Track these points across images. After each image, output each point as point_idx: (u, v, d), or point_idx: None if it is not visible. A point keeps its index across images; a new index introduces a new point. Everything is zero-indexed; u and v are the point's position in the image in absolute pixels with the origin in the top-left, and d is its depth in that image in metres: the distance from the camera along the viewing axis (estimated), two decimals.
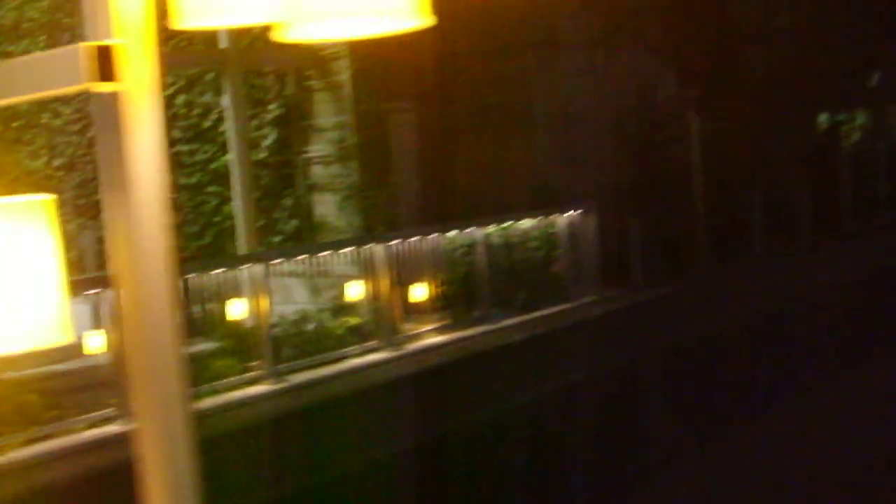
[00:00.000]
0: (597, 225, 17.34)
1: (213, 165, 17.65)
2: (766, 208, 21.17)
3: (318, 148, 16.82)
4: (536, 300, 16.31)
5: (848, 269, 22.02)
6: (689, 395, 16.79)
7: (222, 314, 12.95)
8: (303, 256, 14.09)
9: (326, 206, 16.91)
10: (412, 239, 14.56)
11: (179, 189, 17.83)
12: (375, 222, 16.01)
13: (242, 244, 15.68)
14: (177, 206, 17.74)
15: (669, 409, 16.25)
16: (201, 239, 17.85)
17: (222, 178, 17.66)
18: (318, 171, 16.93)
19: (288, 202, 17.11)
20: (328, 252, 13.97)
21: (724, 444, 16.63)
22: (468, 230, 15.40)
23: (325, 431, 12.02)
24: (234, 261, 13.72)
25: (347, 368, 13.27)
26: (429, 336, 14.65)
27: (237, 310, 12.61)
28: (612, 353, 15.98)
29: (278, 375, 12.55)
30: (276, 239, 16.85)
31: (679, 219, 19.72)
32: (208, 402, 11.57)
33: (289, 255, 13.75)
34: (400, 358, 13.80)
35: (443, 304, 15.02)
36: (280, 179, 17.03)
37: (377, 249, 13.94)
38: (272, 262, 12.82)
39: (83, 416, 10.81)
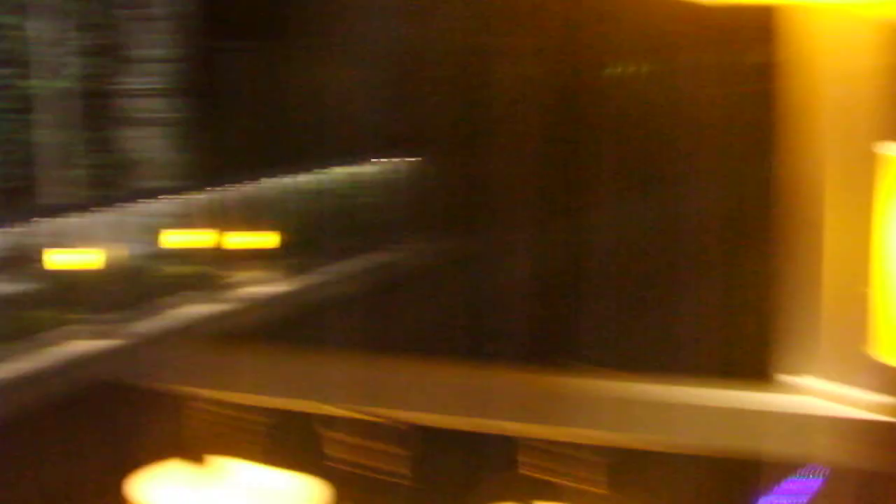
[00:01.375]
0: (415, 171, 17.10)
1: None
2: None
3: (139, 80, 15.99)
4: (358, 248, 16.01)
5: None
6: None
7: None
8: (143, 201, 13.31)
9: (144, 143, 16.13)
10: (252, 184, 14.04)
11: None
12: (200, 162, 15.36)
13: (51, 176, 14.77)
14: None
15: None
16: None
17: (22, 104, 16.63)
18: (137, 105, 16.11)
19: (101, 135, 16.24)
20: (165, 197, 13.25)
21: None
22: (303, 176, 14.97)
23: None
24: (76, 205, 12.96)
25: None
26: (259, 285, 14.20)
27: (63, 257, 11.87)
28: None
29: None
30: (80, 172, 15.98)
31: (483, 169, 19.48)
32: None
33: (132, 198, 13.02)
34: (232, 312, 13.35)
35: (277, 253, 14.55)
36: (93, 111, 16.13)
37: (217, 195, 13.41)
38: (120, 206, 12.10)
39: None
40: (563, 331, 18.47)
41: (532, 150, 20.09)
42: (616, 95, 23.82)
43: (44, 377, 10.82)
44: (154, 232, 13.68)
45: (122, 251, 13.15)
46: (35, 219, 12.62)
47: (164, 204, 13.39)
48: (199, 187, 13.74)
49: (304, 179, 15.09)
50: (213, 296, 13.41)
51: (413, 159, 17.08)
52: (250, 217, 14.10)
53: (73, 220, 12.19)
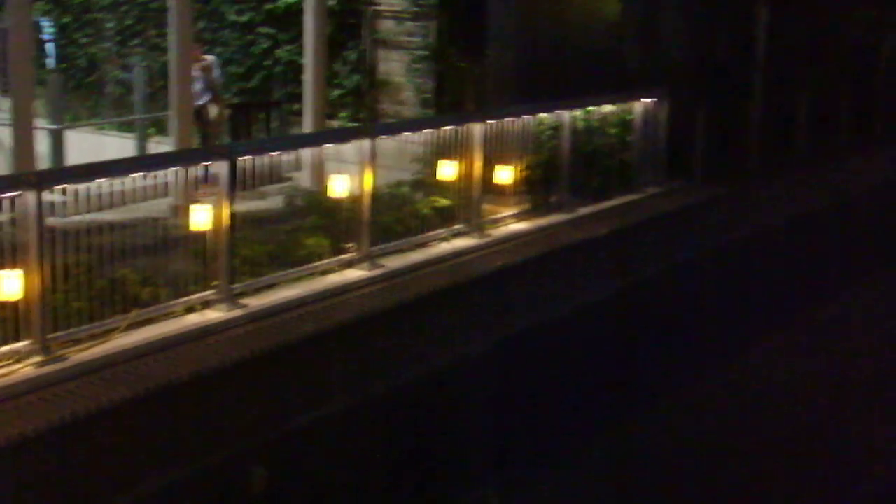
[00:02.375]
0: (668, 113, 16.52)
1: (269, 6, 16.37)
2: (811, 109, 20.63)
3: (390, 0, 15.61)
4: (608, 188, 15.49)
5: (884, 169, 21.80)
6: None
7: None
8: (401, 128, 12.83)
9: (393, 66, 15.79)
10: (506, 118, 13.52)
11: (227, 25, 16.59)
12: (450, 91, 14.94)
13: (308, 95, 14.50)
14: (222, 42, 16.54)
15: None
16: (246, 81, 16.66)
17: (277, 20, 16.43)
18: (387, 27, 15.75)
19: (352, 55, 15.94)
20: (429, 128, 12.75)
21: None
22: (555, 112, 14.40)
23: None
24: (340, 133, 12.61)
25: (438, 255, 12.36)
26: (510, 221, 13.78)
27: (335, 185, 11.53)
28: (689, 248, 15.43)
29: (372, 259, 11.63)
30: (336, 94, 15.71)
31: (738, 114, 18.98)
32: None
33: (394, 130, 12.57)
34: (487, 246, 12.93)
35: (524, 189, 14.09)
36: (344, 30, 15.82)
37: (475, 128, 12.93)
38: (379, 135, 11.66)
39: None
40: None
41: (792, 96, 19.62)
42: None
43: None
44: (418, 161, 13.30)
45: (388, 180, 12.82)
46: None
47: (423, 133, 12.86)
48: (457, 118, 13.27)
49: (571, 115, 14.50)
50: (475, 230, 13.02)
51: (679, 100, 16.45)
52: (504, 151, 13.59)
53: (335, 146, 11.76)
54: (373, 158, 11.47)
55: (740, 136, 19.01)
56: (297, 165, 13.51)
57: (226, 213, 9.86)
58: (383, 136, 11.69)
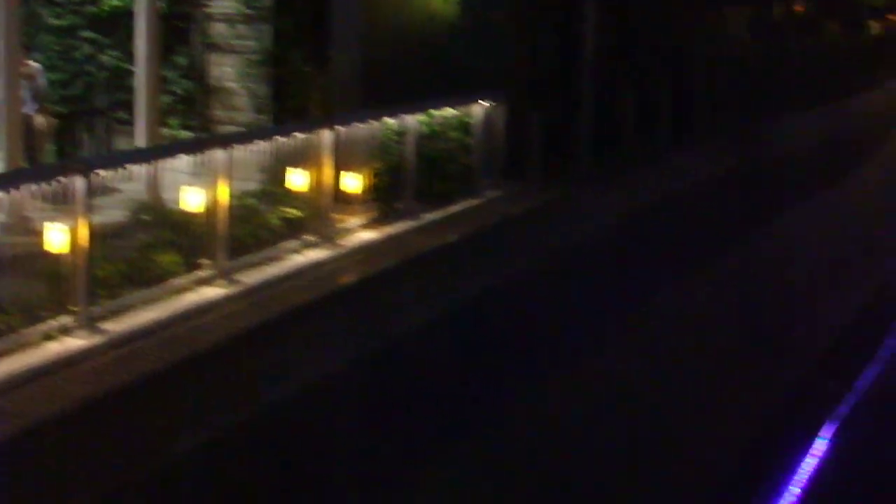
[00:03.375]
0: (505, 117, 16.42)
1: (91, 10, 15.55)
2: (636, 110, 20.87)
3: (222, 3, 15.01)
4: (450, 193, 15.24)
5: (706, 167, 22.29)
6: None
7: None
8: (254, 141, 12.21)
9: (226, 71, 15.19)
10: (354, 124, 13.14)
11: (45, 30, 15.70)
12: (293, 97, 14.45)
13: (141, 103, 13.80)
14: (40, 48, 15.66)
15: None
16: (64, 88, 15.78)
17: (100, 24, 15.64)
18: (219, 30, 15.15)
19: (182, 60, 15.26)
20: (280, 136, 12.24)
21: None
22: (400, 117, 14.08)
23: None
24: (193, 144, 11.99)
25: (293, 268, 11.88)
26: (359, 230, 13.39)
27: (188, 198, 10.92)
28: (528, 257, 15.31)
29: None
30: (167, 100, 15.02)
31: (568, 116, 19.05)
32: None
33: (246, 139, 11.98)
34: (341, 257, 12.51)
35: (372, 196, 13.73)
36: (173, 34, 15.13)
37: (323, 135, 12.51)
38: (233, 145, 11.12)
39: None
40: None
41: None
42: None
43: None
44: (264, 171, 12.77)
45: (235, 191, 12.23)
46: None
47: (268, 141, 12.32)
48: (307, 125, 12.85)
49: (415, 119, 14.20)
50: (327, 241, 12.60)
51: (513, 102, 16.34)
52: (351, 158, 13.22)
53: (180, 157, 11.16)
54: (228, 170, 10.94)
55: (571, 137, 19.07)
56: (126, 177, 12.76)
57: (83, 231, 9.21)
58: (238, 146, 11.17)
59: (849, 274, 32.25)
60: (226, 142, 10.94)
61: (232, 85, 15.13)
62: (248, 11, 14.79)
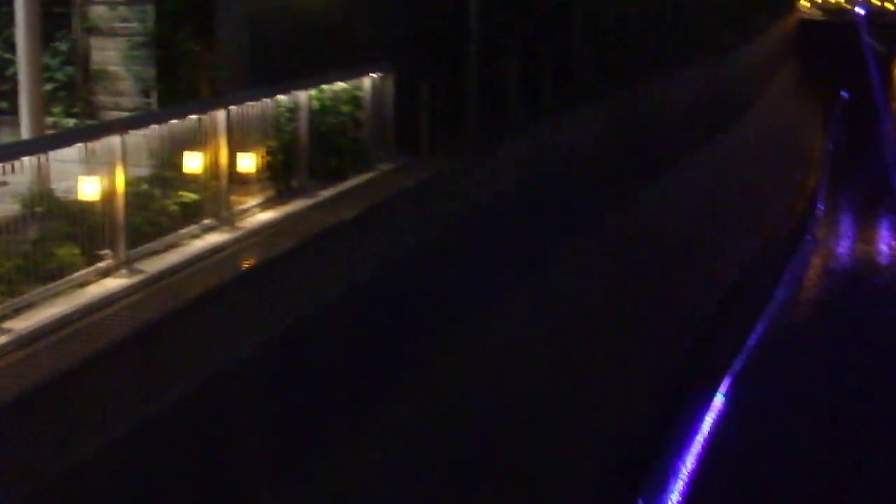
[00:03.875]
0: (394, 88, 16.34)
1: None
2: (520, 76, 20.98)
3: None
4: (344, 169, 15.15)
5: (591, 127, 22.55)
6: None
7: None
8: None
9: (109, 55, 14.87)
10: (246, 103, 12.96)
11: None
12: (182, 77, 14.20)
13: (25, 93, 13.41)
14: None
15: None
16: None
17: None
18: (99, 13, 14.81)
19: (62, 46, 14.90)
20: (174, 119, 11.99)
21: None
22: (292, 94, 13.93)
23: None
24: (89, 131, 11.69)
25: (194, 253, 11.70)
26: (256, 211, 13.25)
27: (85, 187, 10.66)
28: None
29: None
30: (49, 87, 14.65)
31: (456, 85, 19.03)
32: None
33: (141, 123, 11.71)
34: (241, 239, 12.36)
35: (266, 175, 13.58)
36: (51, 19, 14.73)
37: (217, 115, 12.32)
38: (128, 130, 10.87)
39: None
40: None
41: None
42: None
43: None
44: (156, 156, 12.52)
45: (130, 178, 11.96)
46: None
47: (163, 125, 12.06)
48: (200, 105, 12.64)
49: (307, 95, 14.06)
50: (225, 223, 12.44)
51: (402, 74, 16.25)
52: (244, 138, 13.05)
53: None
54: (124, 156, 10.72)
55: (459, 107, 19.06)
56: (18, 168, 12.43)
57: None
58: (133, 132, 10.95)
59: (736, 222, 32.86)
60: (122, 127, 10.66)
61: (116, 69, 14.81)
62: None
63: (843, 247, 36.00)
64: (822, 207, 40.11)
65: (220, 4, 14.06)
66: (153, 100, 14.61)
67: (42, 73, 13.80)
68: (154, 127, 11.57)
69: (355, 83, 15.52)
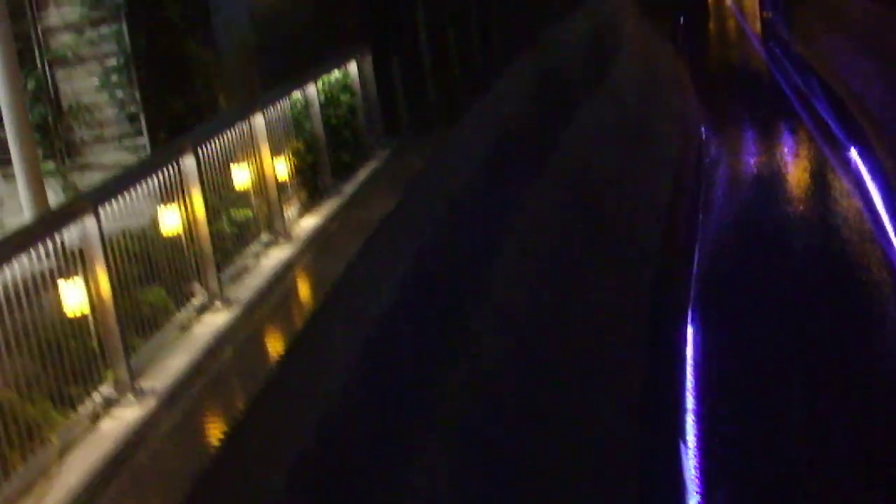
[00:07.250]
0: (373, 71, 15.46)
1: None
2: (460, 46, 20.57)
3: (62, 11, 13.38)
4: (354, 161, 14.24)
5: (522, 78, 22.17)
6: None
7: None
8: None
9: (81, 85, 13.58)
10: (275, 103, 11.94)
11: None
12: (164, 96, 13.04)
13: (16, 148, 12.03)
14: None
15: None
16: None
17: None
18: (64, 41, 13.51)
19: (29, 84, 13.54)
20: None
21: None
22: (303, 89, 12.95)
23: None
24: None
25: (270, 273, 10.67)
26: (298, 218, 12.28)
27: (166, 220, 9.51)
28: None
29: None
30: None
31: (416, 61, 18.31)
32: None
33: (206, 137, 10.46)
34: (304, 251, 11.38)
35: (298, 179, 12.59)
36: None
37: (257, 122, 11.27)
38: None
39: None
40: None
41: None
42: None
43: None
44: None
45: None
46: None
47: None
48: (238, 113, 11.60)
49: (311, 90, 13.12)
50: (281, 236, 11.46)
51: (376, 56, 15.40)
52: (276, 142, 12.01)
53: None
54: (201, 177, 9.66)
55: (421, 83, 18.34)
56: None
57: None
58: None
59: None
60: (195, 144, 9.58)
61: (93, 99, 13.52)
62: (96, 14, 13.20)
63: None
64: None
65: (213, 7, 12.93)
66: (142, 123, 13.40)
67: (28, 116, 12.44)
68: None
69: (344, 71, 14.57)
